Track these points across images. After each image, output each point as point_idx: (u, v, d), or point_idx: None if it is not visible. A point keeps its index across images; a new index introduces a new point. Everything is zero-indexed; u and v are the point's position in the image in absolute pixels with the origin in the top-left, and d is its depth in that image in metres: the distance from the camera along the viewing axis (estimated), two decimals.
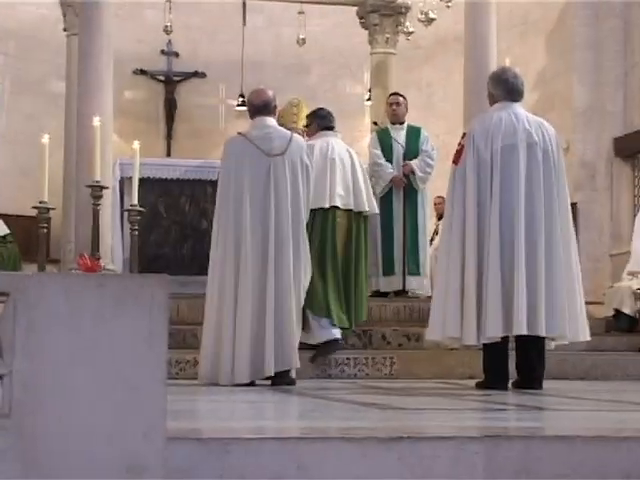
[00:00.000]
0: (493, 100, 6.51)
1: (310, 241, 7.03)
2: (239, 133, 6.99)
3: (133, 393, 2.41)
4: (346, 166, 7.82)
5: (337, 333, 7.64)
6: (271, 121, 6.92)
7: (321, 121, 8.01)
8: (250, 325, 6.45)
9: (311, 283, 6.99)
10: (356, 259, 7.77)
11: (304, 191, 6.79)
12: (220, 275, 6.60)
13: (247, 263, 6.51)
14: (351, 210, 7.82)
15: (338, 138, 8.07)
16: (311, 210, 7.29)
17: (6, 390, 2.38)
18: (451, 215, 6.28)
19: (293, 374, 6.65)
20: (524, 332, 6.06)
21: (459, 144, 6.37)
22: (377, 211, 8.27)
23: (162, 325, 2.44)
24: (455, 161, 6.33)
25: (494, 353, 6.21)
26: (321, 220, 7.67)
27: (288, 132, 7.03)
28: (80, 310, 2.40)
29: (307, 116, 8.39)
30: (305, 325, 7.22)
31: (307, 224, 6.95)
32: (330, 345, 7.61)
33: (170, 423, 2.54)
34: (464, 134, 6.48)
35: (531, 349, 6.26)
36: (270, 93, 6.97)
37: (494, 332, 6.03)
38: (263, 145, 6.74)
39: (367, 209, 7.93)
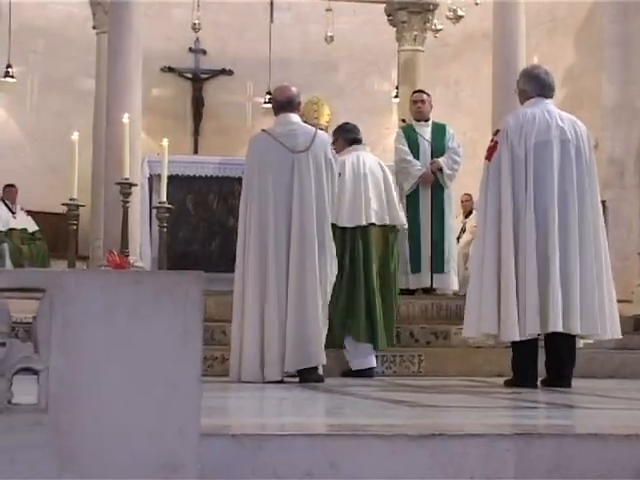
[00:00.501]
0: (525, 97, 6.49)
1: (341, 259, 7.07)
2: (263, 130, 6.99)
3: (169, 390, 2.42)
4: (379, 179, 7.72)
5: (373, 360, 7.59)
6: (295, 117, 6.92)
7: (347, 135, 7.89)
8: (278, 323, 6.46)
9: (349, 307, 7.00)
10: (389, 275, 7.69)
11: (329, 187, 6.78)
12: (246, 273, 6.61)
13: (272, 261, 6.53)
14: (385, 225, 7.72)
15: (367, 151, 7.98)
16: (343, 228, 7.31)
17: (43, 386, 2.40)
18: (485, 211, 6.26)
19: (320, 371, 6.65)
20: (560, 329, 6.05)
21: (492, 140, 6.36)
22: (406, 224, 8.17)
23: (197, 322, 2.45)
24: (488, 157, 6.32)
25: (524, 351, 6.20)
26: (358, 237, 7.56)
27: (312, 128, 7.03)
28: (116, 306, 2.42)
29: (333, 132, 8.20)
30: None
31: (336, 241, 6.97)
32: (366, 372, 7.48)
33: (203, 420, 2.56)
34: (497, 131, 6.47)
35: (562, 347, 6.24)
36: (294, 89, 6.96)
37: (533, 329, 6.03)
38: (287, 142, 6.74)
39: (403, 222, 7.89)
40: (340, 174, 7.19)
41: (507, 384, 6.35)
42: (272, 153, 6.71)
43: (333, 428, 3.38)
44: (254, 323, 6.50)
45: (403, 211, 8.12)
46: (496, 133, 6.43)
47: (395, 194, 7.90)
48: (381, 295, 7.54)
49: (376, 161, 7.91)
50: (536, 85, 6.43)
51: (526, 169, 6.19)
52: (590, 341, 6.44)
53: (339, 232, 7.29)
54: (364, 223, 7.55)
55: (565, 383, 6.22)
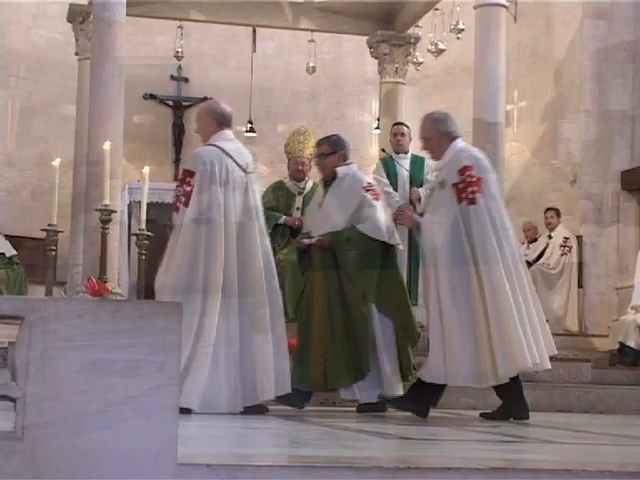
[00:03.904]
0: (450, 138, 6.51)
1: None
2: (212, 144, 6.63)
3: (145, 418, 2.43)
4: None
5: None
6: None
7: (346, 151, 7.25)
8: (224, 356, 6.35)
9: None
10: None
11: None
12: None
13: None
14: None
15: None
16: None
17: (19, 413, 2.40)
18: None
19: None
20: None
21: (473, 177, 6.33)
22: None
23: (175, 352, 2.46)
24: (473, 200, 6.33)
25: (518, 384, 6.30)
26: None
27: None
28: (95, 336, 2.42)
29: (332, 144, 7.30)
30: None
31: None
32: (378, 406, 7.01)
33: (179, 448, 2.56)
34: (468, 167, 6.41)
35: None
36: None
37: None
38: (239, 159, 6.58)
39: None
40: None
41: (484, 416, 6.38)
42: (224, 169, 6.55)
43: (309, 460, 3.37)
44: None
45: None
46: (470, 170, 6.39)
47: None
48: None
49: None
50: (456, 126, 6.55)
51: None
52: None
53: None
54: (392, 242, 7.12)
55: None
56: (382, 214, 7.04)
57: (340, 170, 7.13)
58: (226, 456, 3.44)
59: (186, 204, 6.46)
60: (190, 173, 6.51)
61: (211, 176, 6.44)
